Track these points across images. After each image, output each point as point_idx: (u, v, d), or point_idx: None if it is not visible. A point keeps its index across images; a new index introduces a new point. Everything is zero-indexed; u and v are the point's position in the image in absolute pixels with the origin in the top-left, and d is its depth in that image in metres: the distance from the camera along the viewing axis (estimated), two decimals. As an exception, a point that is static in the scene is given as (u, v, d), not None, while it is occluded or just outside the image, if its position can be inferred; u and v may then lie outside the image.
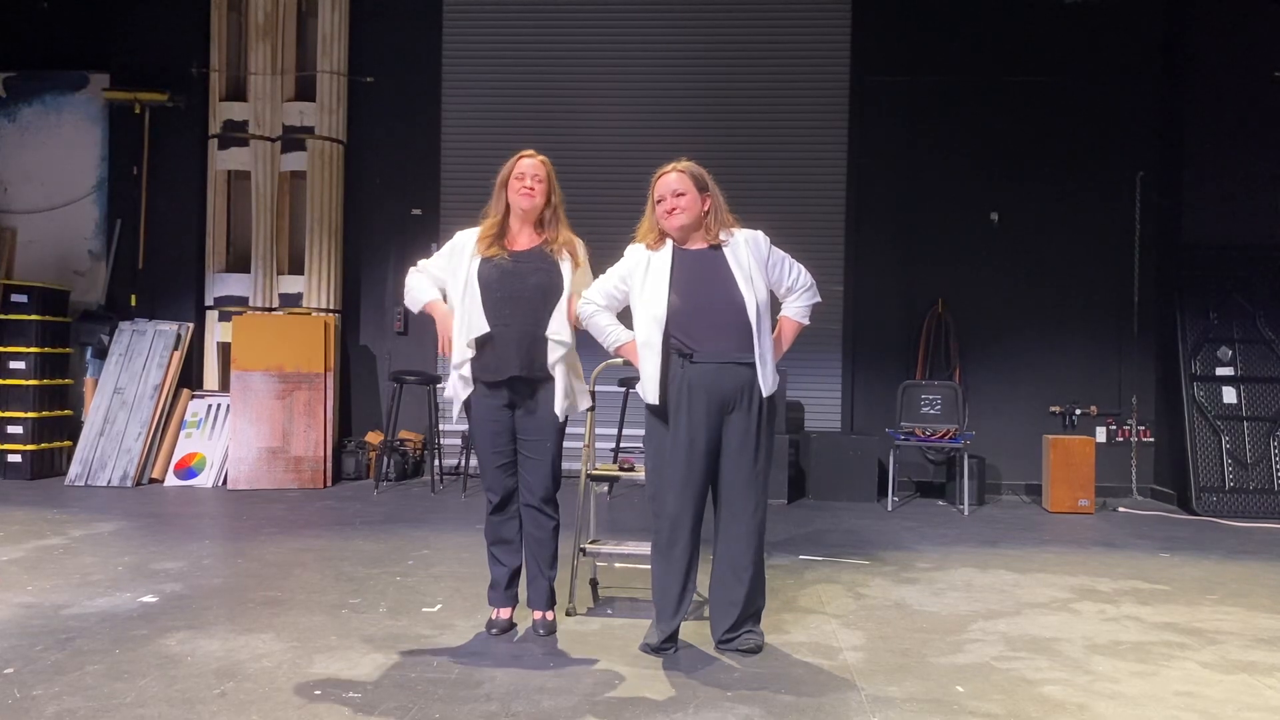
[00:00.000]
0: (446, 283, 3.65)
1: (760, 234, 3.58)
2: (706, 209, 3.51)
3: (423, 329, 7.90)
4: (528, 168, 3.61)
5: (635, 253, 3.57)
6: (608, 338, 3.58)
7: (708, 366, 3.41)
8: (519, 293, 3.54)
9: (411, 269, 3.76)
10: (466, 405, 3.65)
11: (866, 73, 7.95)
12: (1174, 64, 7.65)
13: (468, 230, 3.69)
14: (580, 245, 3.72)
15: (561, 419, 3.59)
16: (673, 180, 3.51)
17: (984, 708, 3.01)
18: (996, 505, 7.25)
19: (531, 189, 3.58)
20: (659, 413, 3.47)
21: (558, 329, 3.54)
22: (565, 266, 3.60)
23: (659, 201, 3.51)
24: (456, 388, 3.62)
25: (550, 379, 3.57)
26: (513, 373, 3.54)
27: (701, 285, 3.46)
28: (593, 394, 4.20)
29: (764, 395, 3.42)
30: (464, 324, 3.54)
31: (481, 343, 3.53)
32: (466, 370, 3.58)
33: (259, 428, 7.30)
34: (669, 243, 3.53)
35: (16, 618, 3.76)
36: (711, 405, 3.41)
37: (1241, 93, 7.37)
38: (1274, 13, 7.31)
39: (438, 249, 3.77)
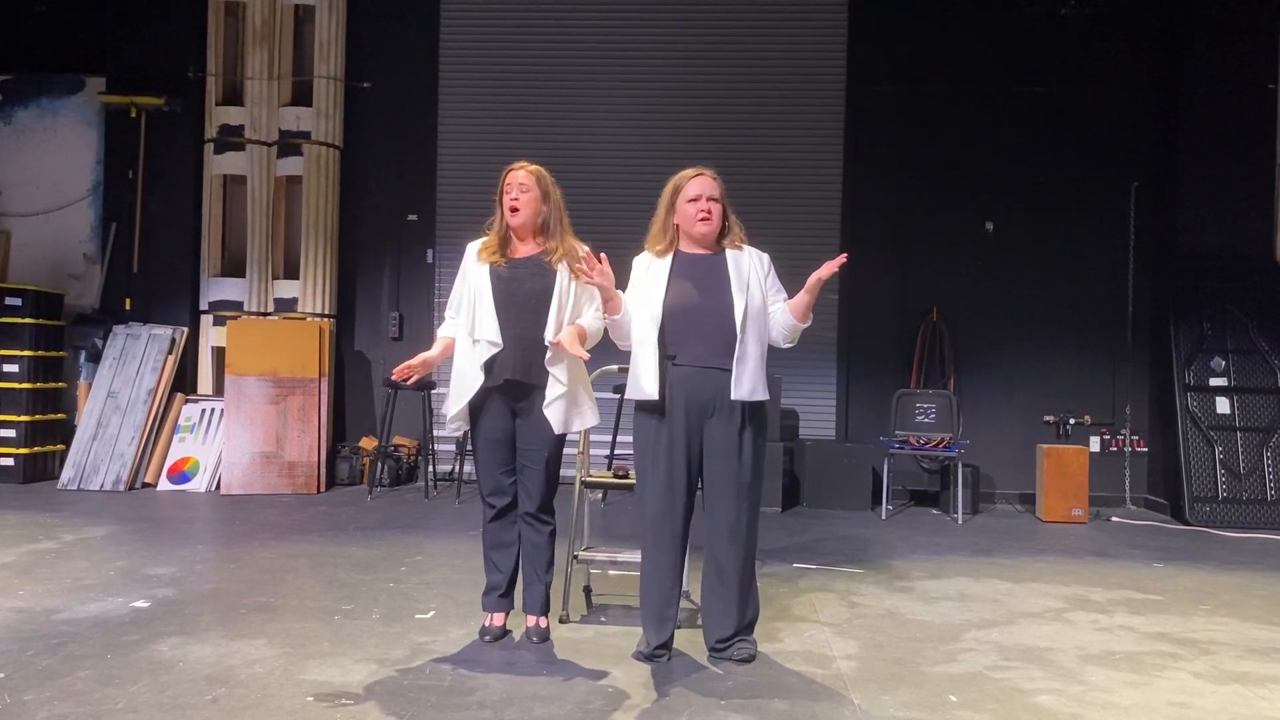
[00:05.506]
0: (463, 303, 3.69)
1: (766, 255, 3.61)
2: (725, 220, 3.55)
3: (418, 335, 7.90)
4: (513, 181, 3.62)
5: (639, 262, 3.59)
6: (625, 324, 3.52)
7: (689, 370, 3.42)
8: (514, 298, 3.56)
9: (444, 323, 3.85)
10: (471, 412, 3.66)
11: (862, 82, 7.97)
12: (1169, 75, 7.68)
13: (476, 241, 3.73)
14: (584, 253, 3.72)
15: (560, 431, 3.59)
16: (708, 182, 3.51)
17: (977, 718, 3.01)
18: (990, 514, 7.25)
19: (516, 201, 3.59)
20: (648, 411, 3.46)
21: (555, 334, 3.55)
22: (562, 274, 3.60)
23: (693, 200, 3.49)
24: (457, 420, 3.66)
25: (545, 385, 3.56)
26: (507, 376, 3.55)
27: (696, 288, 3.47)
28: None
29: (730, 399, 3.38)
30: (472, 330, 3.58)
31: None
32: (464, 413, 3.62)
33: (253, 432, 7.28)
34: (674, 248, 3.54)
35: (8, 622, 3.74)
36: (691, 409, 3.42)
37: (1236, 104, 7.40)
38: (1268, 25, 7.34)
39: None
